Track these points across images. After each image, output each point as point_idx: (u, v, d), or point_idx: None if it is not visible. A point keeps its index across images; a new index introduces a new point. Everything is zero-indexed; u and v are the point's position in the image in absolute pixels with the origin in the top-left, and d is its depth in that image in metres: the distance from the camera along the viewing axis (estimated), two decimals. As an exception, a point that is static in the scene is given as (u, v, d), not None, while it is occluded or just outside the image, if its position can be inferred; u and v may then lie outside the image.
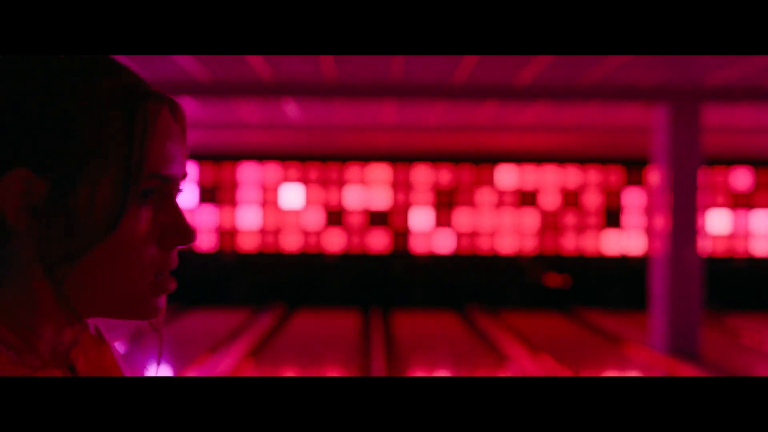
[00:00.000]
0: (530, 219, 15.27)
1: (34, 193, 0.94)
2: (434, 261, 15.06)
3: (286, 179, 15.01)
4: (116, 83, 0.96)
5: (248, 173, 15.04)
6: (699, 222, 9.63)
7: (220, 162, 14.98)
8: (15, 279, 0.96)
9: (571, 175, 15.28)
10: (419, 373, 8.77)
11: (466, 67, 8.38)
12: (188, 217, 1.01)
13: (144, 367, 1.13)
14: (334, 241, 15.02)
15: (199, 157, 14.88)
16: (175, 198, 0.99)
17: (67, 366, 1.01)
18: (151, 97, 0.97)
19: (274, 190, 15.03)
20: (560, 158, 15.20)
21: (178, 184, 0.99)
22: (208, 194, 15.03)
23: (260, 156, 15.02)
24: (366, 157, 15.08)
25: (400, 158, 15.03)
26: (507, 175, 15.23)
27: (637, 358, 9.95)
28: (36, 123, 0.94)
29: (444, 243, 15.11)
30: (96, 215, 0.94)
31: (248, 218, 15.02)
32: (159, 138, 0.96)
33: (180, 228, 0.98)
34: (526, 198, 15.25)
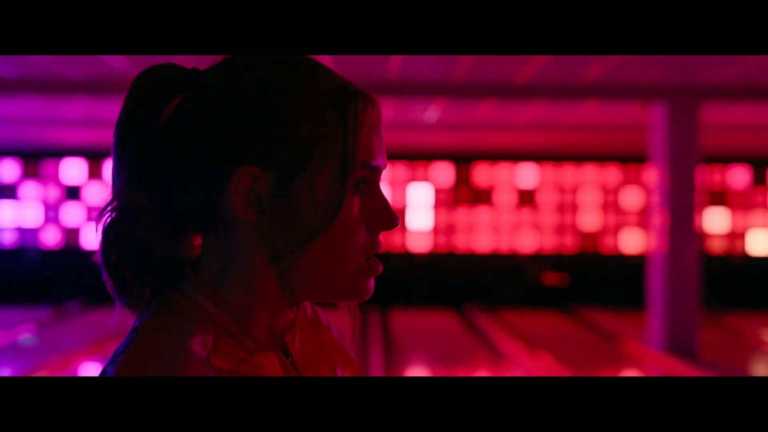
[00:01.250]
0: (529, 217, 15.27)
1: (259, 188, 1.01)
2: (433, 260, 15.06)
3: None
4: (330, 83, 1.04)
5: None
6: (697, 220, 9.63)
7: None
8: (240, 270, 1.03)
9: (569, 174, 15.28)
10: (417, 372, 8.76)
11: (465, 65, 8.37)
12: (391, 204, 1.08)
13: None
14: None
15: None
16: (380, 186, 1.06)
17: (282, 349, 1.07)
18: (359, 94, 1.04)
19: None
20: (558, 156, 15.20)
21: (381, 173, 1.06)
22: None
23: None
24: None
25: (399, 156, 15.02)
26: (506, 174, 15.23)
27: (636, 356, 9.95)
28: (264, 123, 1.01)
29: (442, 242, 15.10)
30: (317, 207, 1.01)
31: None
32: (367, 132, 1.03)
33: (388, 214, 1.05)
34: (524, 196, 15.25)
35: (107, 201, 1.03)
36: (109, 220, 1.02)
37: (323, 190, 1.01)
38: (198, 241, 1.06)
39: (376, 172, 1.05)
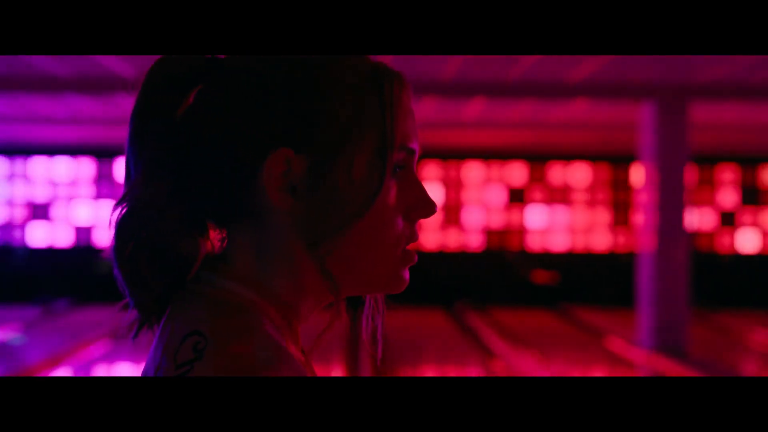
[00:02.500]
0: (519, 216, 15.29)
1: (294, 172, 0.97)
2: (422, 258, 15.06)
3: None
4: (365, 64, 1.00)
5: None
6: (686, 219, 9.66)
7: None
8: (279, 261, 0.99)
9: (559, 172, 15.30)
10: (407, 371, 8.77)
11: (455, 63, 8.37)
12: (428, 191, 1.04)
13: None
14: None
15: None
16: (415, 172, 1.02)
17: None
18: (395, 75, 1.00)
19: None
20: (548, 155, 15.22)
21: (416, 158, 1.02)
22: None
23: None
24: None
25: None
26: (495, 172, 15.24)
27: (625, 354, 9.98)
28: (298, 104, 0.97)
29: (431, 240, 15.11)
30: (355, 191, 0.97)
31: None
32: (403, 114, 1.00)
33: (425, 201, 1.01)
34: (515, 195, 15.27)
35: (123, 193, 0.99)
36: (124, 212, 0.97)
37: (362, 172, 0.97)
38: (221, 233, 1.02)
39: (412, 156, 1.01)
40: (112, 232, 0.97)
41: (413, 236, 1.02)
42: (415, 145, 1.01)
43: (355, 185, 0.97)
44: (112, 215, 0.98)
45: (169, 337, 0.96)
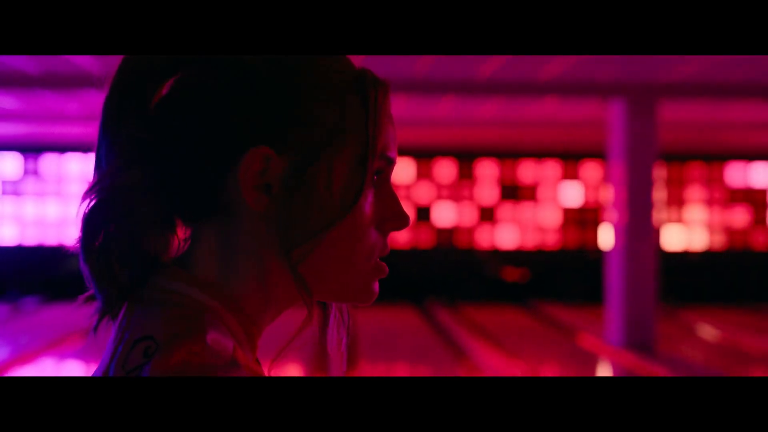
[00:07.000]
0: (489, 213, 15.34)
1: (271, 172, 0.93)
2: (392, 255, 15.07)
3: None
4: (350, 69, 0.98)
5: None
6: (654, 216, 9.74)
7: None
8: (242, 262, 0.95)
9: (529, 169, 15.37)
10: (378, 369, 8.78)
11: (425, 62, 8.39)
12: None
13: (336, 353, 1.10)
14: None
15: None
16: (391, 183, 1.00)
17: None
18: (380, 82, 0.98)
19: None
20: (518, 153, 15.28)
21: (393, 168, 1.00)
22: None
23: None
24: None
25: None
26: (468, 170, 15.29)
27: (594, 351, 10.05)
28: (281, 103, 0.94)
29: (403, 237, 15.12)
30: (335, 196, 0.95)
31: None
32: (386, 123, 0.98)
33: (399, 213, 0.99)
34: (486, 192, 15.32)
35: (91, 184, 0.95)
36: (93, 203, 0.94)
37: (341, 177, 0.95)
38: (186, 233, 0.98)
39: (391, 165, 0.99)
40: (80, 222, 0.94)
41: (385, 248, 1.00)
42: (394, 155, 1.00)
43: (334, 191, 0.95)
44: (80, 205, 0.94)
45: (120, 345, 0.93)
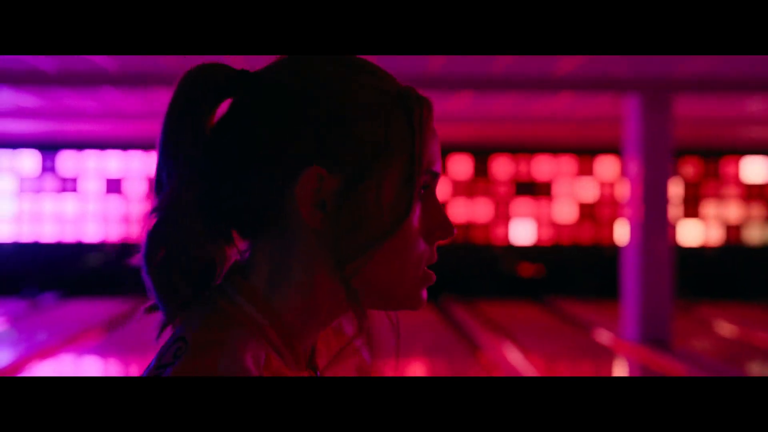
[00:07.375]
0: (504, 208, 15.32)
1: (325, 190, 0.98)
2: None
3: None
4: (394, 87, 1.03)
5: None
6: (670, 211, 9.71)
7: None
8: (297, 280, 1.00)
9: (544, 165, 15.34)
10: (394, 365, 8.79)
11: (440, 58, 8.40)
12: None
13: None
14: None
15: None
16: (436, 195, 1.05)
17: (311, 366, 1.05)
18: (423, 99, 1.03)
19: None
20: (532, 148, 15.26)
21: (438, 181, 1.05)
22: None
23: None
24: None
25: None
26: (480, 166, 15.27)
27: (609, 346, 10.03)
28: (331, 123, 0.98)
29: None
30: (385, 211, 0.99)
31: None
32: (430, 138, 1.02)
33: (446, 224, 1.04)
34: (500, 188, 15.30)
35: (155, 203, 1.00)
36: (156, 221, 0.99)
37: (390, 193, 0.99)
38: (244, 245, 1.03)
39: (436, 178, 1.04)
40: (144, 239, 1.00)
41: (432, 257, 1.04)
42: (439, 168, 1.04)
43: (384, 207, 0.99)
44: (145, 224, 1.00)
45: (169, 339, 0.99)
